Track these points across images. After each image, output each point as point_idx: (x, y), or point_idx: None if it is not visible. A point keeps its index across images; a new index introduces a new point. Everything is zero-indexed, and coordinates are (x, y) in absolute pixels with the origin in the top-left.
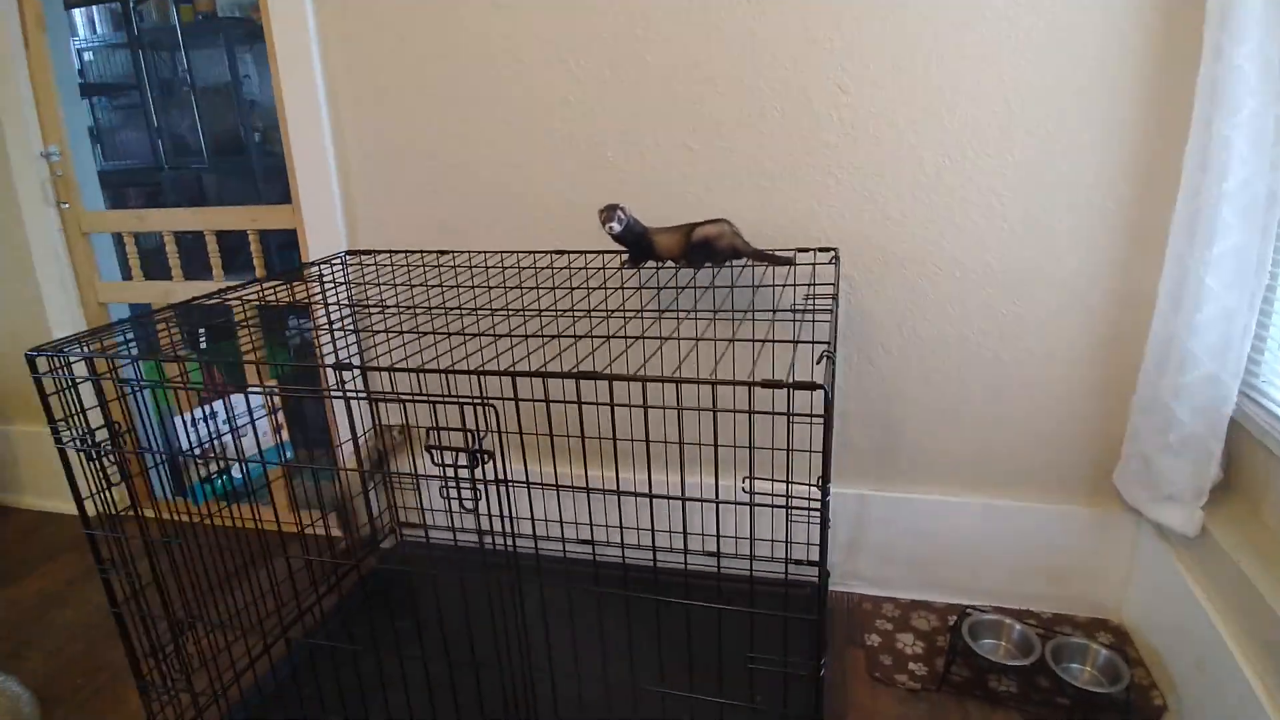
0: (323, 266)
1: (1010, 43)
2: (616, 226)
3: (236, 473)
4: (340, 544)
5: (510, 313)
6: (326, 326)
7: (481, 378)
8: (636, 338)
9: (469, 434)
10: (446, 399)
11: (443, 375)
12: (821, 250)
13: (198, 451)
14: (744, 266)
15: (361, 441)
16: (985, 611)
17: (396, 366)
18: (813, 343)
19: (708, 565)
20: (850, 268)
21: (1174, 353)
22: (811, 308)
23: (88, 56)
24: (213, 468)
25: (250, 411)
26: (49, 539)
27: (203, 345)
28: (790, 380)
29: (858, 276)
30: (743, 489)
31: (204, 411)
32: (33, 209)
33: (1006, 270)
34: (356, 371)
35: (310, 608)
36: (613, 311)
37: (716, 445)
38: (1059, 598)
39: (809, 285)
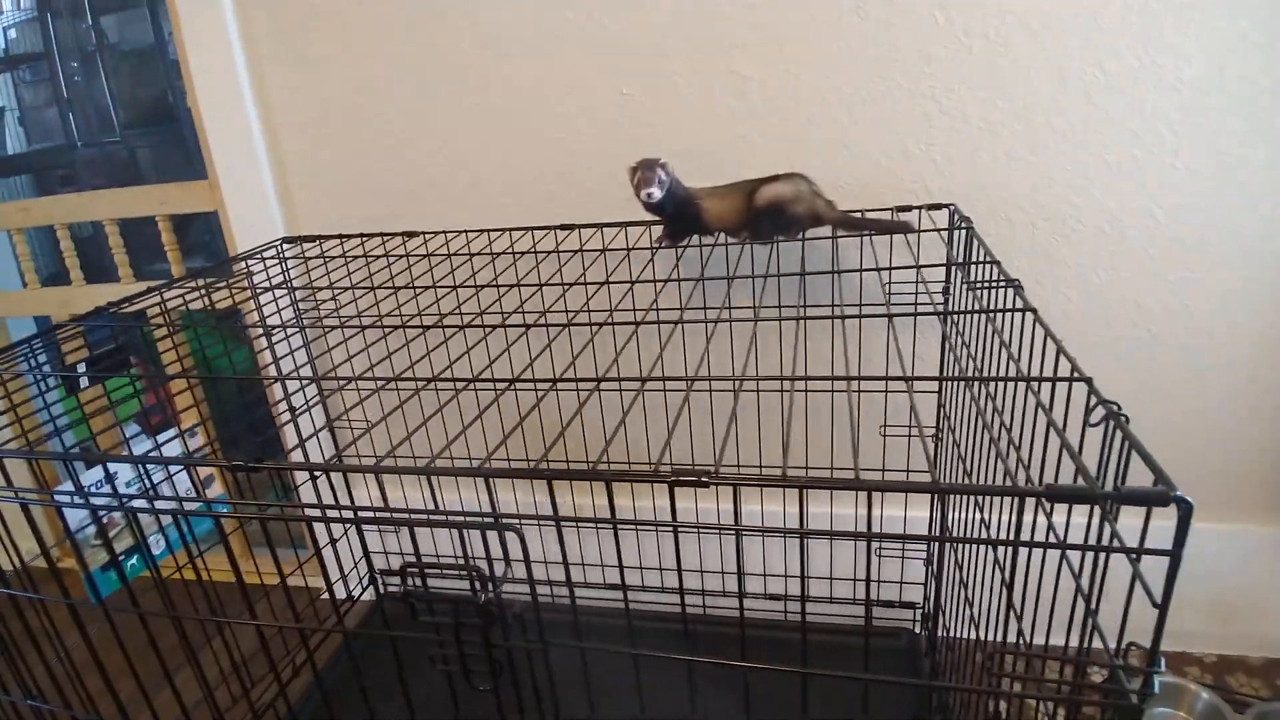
0: (250, 261)
1: None
2: (657, 193)
3: (156, 547)
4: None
5: (508, 321)
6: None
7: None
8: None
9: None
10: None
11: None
12: (932, 208)
13: (92, 529)
14: (827, 237)
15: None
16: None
17: (497, 468)
18: (967, 379)
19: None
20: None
21: None
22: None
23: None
24: (121, 546)
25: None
26: None
27: (83, 386)
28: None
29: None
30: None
31: (105, 471)
32: None
33: (1175, 222)
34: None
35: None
36: (685, 315)
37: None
38: (1222, 636)
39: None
